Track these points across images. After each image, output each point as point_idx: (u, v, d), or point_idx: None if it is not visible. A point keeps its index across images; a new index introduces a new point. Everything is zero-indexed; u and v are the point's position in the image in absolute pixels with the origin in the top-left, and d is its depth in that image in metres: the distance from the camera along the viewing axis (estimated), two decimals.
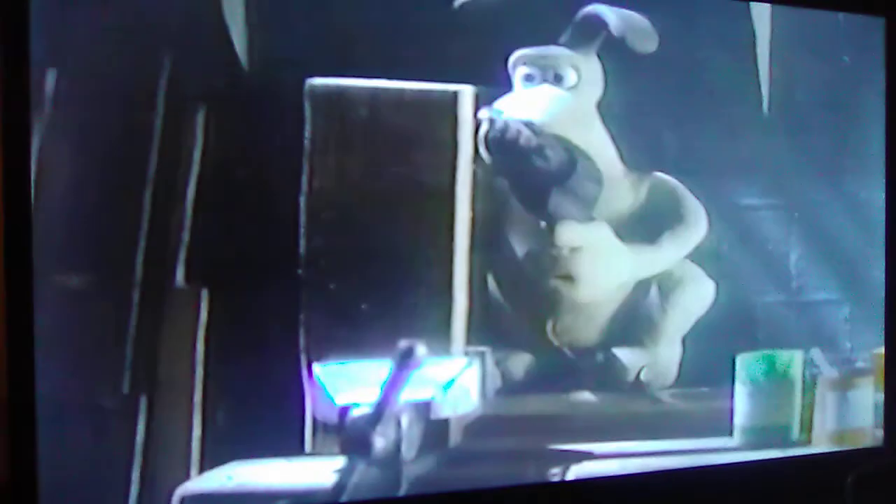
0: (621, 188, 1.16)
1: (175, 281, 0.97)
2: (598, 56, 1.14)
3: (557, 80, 1.12)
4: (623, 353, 1.17)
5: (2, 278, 0.90)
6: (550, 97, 1.12)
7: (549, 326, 1.14)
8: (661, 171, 1.18)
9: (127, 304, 0.95)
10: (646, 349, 1.18)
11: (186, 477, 0.97)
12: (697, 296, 1.20)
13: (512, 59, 1.10)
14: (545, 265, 1.12)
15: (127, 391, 0.95)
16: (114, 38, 0.94)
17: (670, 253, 1.18)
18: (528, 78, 1.11)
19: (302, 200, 1.01)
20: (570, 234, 1.12)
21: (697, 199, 1.19)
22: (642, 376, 1.18)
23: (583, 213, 1.13)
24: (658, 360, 1.19)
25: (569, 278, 1.13)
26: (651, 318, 1.18)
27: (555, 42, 1.13)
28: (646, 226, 1.17)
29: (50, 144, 0.92)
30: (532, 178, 1.11)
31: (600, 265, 1.15)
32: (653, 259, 1.17)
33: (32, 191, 0.91)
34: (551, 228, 1.12)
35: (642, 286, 1.18)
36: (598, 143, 1.14)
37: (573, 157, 1.12)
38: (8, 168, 0.90)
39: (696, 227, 1.19)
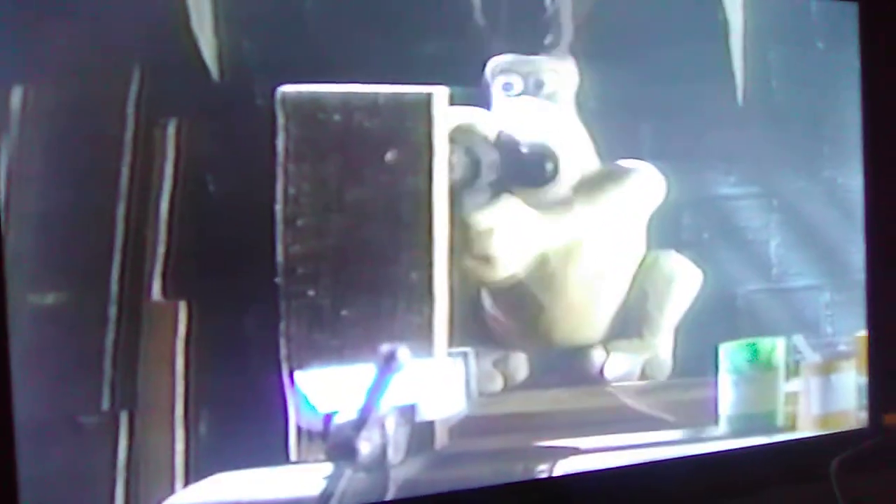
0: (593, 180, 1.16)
1: (152, 295, 0.96)
2: (572, 53, 1.14)
3: (538, 86, 1.12)
4: (622, 347, 1.18)
5: None
6: (531, 107, 1.12)
7: (535, 323, 1.15)
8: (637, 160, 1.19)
9: (103, 320, 0.94)
10: (644, 342, 1.19)
11: (171, 491, 0.97)
12: (688, 285, 1.20)
13: (490, 67, 1.10)
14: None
15: (107, 407, 0.94)
16: (81, 53, 0.92)
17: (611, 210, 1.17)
18: (507, 87, 1.11)
19: (277, 208, 1.01)
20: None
21: (667, 179, 1.19)
22: (646, 370, 1.18)
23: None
24: (658, 353, 1.19)
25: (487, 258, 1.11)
26: (647, 310, 1.19)
27: (534, 49, 1.12)
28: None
29: (19, 162, 0.91)
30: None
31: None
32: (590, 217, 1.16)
33: (2, 210, 0.90)
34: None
35: (634, 279, 1.18)
36: (574, 143, 1.14)
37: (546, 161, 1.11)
38: None
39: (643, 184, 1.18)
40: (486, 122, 1.10)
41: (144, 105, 0.95)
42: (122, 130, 0.94)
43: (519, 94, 1.12)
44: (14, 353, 0.90)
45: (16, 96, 0.90)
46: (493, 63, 1.10)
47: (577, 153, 1.14)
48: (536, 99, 1.12)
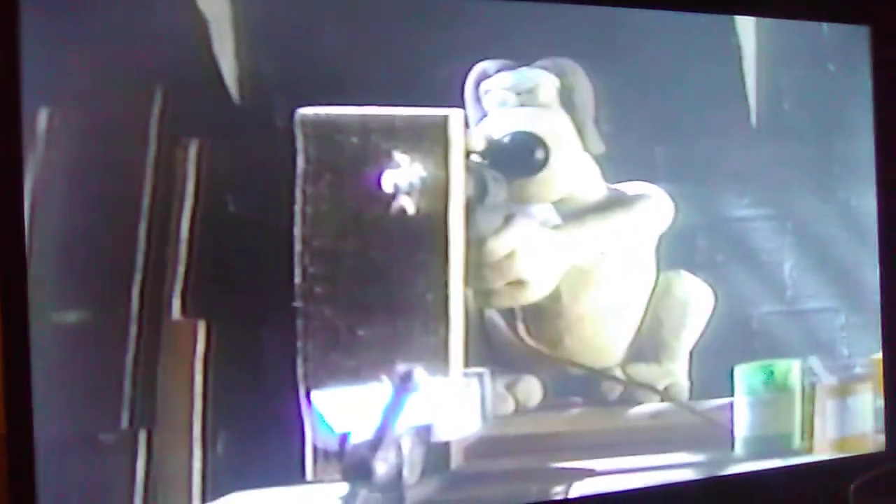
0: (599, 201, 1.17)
1: (171, 314, 0.97)
2: (586, 72, 1.15)
3: (533, 98, 1.13)
4: (640, 373, 1.18)
5: None
6: (525, 115, 1.13)
7: (551, 348, 1.15)
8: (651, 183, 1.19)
9: (124, 339, 0.95)
10: (663, 368, 1.19)
11: None
12: (702, 308, 1.20)
13: (482, 86, 1.11)
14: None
15: (126, 425, 0.95)
16: (105, 76, 0.94)
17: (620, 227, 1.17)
18: (501, 102, 1.12)
19: (296, 230, 1.02)
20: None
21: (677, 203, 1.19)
22: (664, 394, 1.18)
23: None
24: (677, 378, 1.19)
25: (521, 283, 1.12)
26: (663, 337, 1.19)
27: (533, 61, 1.14)
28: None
29: (43, 182, 0.92)
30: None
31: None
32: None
33: (27, 228, 0.91)
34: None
35: (648, 304, 1.18)
36: (564, 136, 1.14)
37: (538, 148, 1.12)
38: (2, 207, 0.91)
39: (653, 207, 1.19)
40: (483, 137, 1.11)
41: (167, 126, 0.97)
42: (144, 151, 0.96)
43: (513, 107, 1.13)
44: (36, 370, 0.91)
45: (42, 118, 0.92)
46: (486, 83, 1.11)
47: (567, 145, 1.14)
48: (530, 108, 1.13)
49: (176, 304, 0.97)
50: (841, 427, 1.29)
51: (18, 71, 0.90)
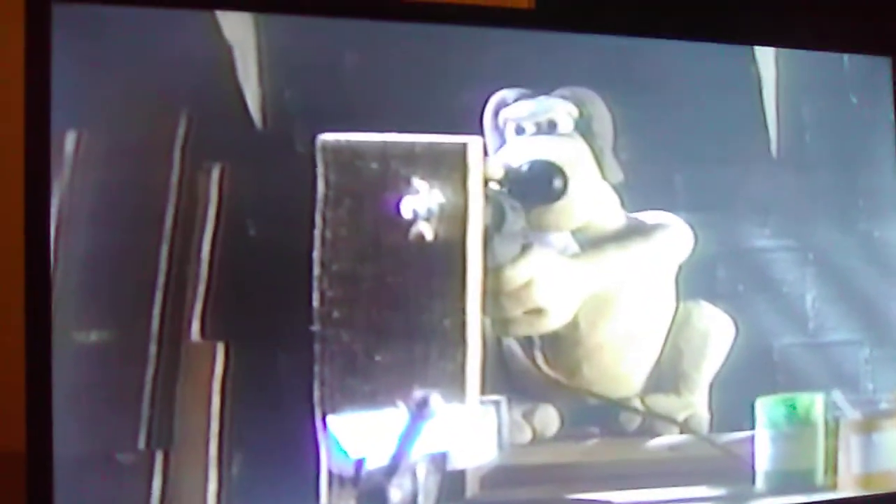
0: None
1: (191, 335, 0.98)
2: (604, 101, 1.16)
3: (551, 127, 1.14)
4: (659, 404, 1.17)
5: (22, 334, 0.92)
6: (544, 143, 1.14)
7: (568, 377, 1.14)
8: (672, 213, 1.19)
9: (144, 359, 0.96)
10: (682, 399, 1.18)
11: None
12: (723, 339, 1.20)
13: (501, 115, 1.12)
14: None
15: (143, 446, 0.96)
16: (132, 100, 0.97)
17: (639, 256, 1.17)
18: (519, 130, 1.13)
19: (315, 254, 1.03)
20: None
21: (697, 233, 1.19)
22: (684, 426, 1.17)
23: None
24: (696, 410, 1.18)
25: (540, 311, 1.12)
26: (683, 368, 1.18)
27: (552, 91, 1.15)
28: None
29: (69, 205, 0.94)
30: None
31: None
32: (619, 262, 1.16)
33: (52, 249, 0.93)
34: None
35: (668, 335, 1.18)
36: (583, 165, 1.15)
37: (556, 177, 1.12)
38: (29, 227, 0.93)
39: (672, 236, 1.18)
40: (502, 165, 1.12)
41: (190, 150, 0.98)
42: (167, 174, 0.98)
43: (531, 135, 1.13)
44: (56, 390, 0.92)
45: (69, 141, 0.94)
46: (503, 113, 1.12)
47: (586, 173, 1.14)
48: (548, 137, 1.14)
49: (195, 325, 0.98)
50: (866, 463, 1.27)
51: (48, 93, 0.92)
